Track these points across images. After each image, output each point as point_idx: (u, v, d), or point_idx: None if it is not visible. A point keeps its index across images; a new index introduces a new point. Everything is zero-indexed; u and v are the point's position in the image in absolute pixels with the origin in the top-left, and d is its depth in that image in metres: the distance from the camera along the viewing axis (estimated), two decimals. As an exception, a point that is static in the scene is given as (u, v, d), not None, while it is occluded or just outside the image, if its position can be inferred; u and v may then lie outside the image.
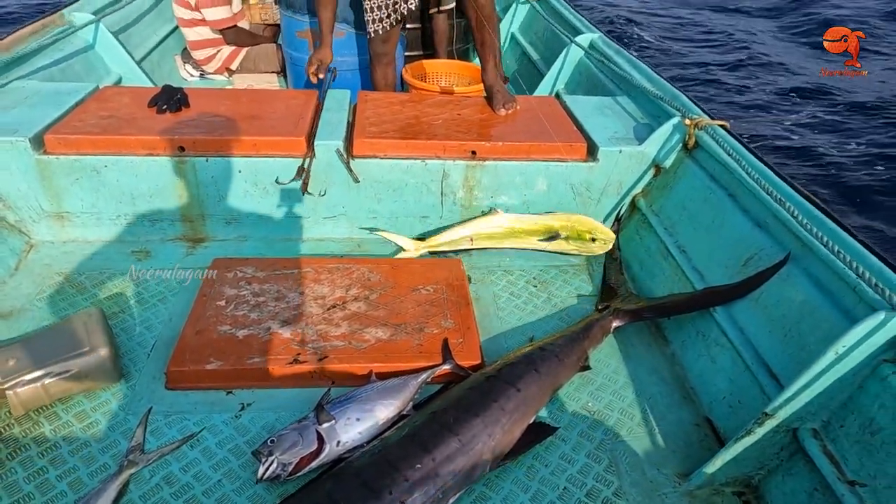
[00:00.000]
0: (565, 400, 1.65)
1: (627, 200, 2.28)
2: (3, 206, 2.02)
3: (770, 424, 1.34)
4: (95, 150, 2.00)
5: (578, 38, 3.09)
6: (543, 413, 1.59)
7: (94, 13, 2.93)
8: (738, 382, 1.56)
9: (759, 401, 1.45)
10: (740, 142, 1.94)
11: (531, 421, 1.51)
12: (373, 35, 2.60)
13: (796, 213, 1.55)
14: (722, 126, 2.04)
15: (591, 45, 3.07)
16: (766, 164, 1.80)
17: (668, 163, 2.18)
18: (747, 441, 1.37)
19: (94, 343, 1.53)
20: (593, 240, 2.16)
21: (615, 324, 1.85)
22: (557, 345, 1.69)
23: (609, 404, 1.65)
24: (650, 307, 1.87)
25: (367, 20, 2.57)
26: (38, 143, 1.97)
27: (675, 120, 2.15)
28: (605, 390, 1.70)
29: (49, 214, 2.07)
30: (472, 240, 2.17)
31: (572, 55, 3.18)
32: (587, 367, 1.73)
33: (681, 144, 2.15)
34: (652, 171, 2.23)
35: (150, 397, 1.56)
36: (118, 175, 2.02)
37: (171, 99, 2.21)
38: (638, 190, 2.26)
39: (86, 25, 2.83)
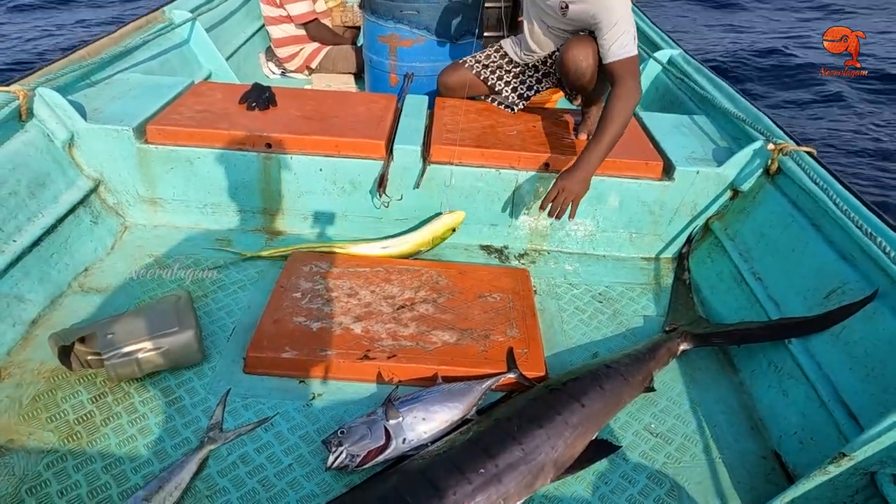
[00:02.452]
0: (628, 419, 1.65)
1: (701, 222, 2.24)
2: (104, 190, 2.17)
3: (846, 465, 1.29)
4: (190, 141, 2.13)
5: (657, 54, 3.06)
6: (605, 430, 1.59)
7: (192, 11, 3.11)
8: (812, 418, 1.51)
9: (835, 440, 1.41)
10: (827, 170, 1.88)
11: (593, 437, 1.52)
12: (500, 101, 2.47)
13: (887, 248, 1.49)
14: (808, 153, 1.98)
15: (671, 62, 3.03)
16: (854, 194, 1.74)
17: (746, 187, 2.13)
18: (820, 480, 1.33)
19: (183, 324, 1.63)
20: (453, 230, 2.18)
21: (682, 347, 1.82)
22: (623, 363, 1.68)
23: (672, 428, 1.64)
24: (721, 333, 1.83)
25: (502, 87, 2.43)
26: (141, 132, 2.12)
27: (757, 144, 2.11)
28: (669, 413, 1.68)
29: (143, 199, 2.22)
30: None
31: (649, 70, 3.15)
32: (651, 389, 1.71)
33: (762, 169, 2.10)
34: (729, 194, 2.19)
35: (228, 379, 1.65)
36: (209, 167, 2.15)
37: (260, 97, 2.33)
38: (712, 212, 2.22)
39: (184, 23, 3.00)
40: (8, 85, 1.96)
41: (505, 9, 3.14)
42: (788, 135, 2.08)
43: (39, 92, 1.99)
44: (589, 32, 2.04)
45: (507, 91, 2.41)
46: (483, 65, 2.41)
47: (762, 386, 1.71)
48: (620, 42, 1.92)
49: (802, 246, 1.82)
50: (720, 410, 1.71)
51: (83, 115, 2.08)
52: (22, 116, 1.96)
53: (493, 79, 2.40)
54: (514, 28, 3.40)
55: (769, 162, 2.05)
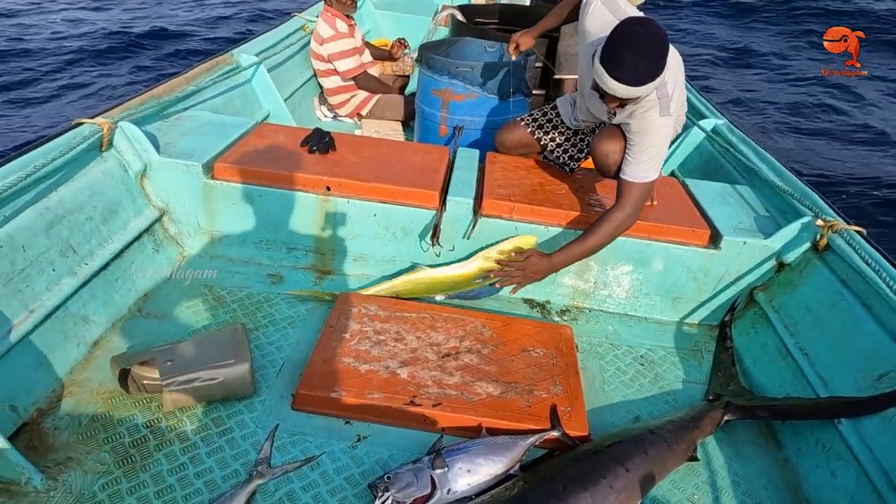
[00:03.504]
0: (670, 488, 1.63)
1: (745, 292, 2.25)
2: (167, 220, 2.27)
3: (901, 556, 1.27)
4: (254, 180, 2.23)
5: (702, 122, 3.13)
6: (648, 499, 1.58)
7: (257, 55, 3.29)
8: (863, 503, 1.49)
9: (888, 528, 1.38)
10: (878, 250, 1.90)
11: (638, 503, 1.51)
12: (552, 160, 2.53)
13: (943, 335, 1.49)
14: (858, 231, 2.00)
15: (715, 130, 3.10)
16: (906, 276, 1.74)
17: (793, 260, 2.15)
18: (872, 569, 1.30)
19: (239, 356, 1.69)
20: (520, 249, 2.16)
21: (726, 417, 1.81)
22: (667, 430, 1.68)
23: (715, 500, 1.62)
24: (767, 407, 1.82)
25: (554, 147, 2.48)
26: (209, 168, 2.23)
27: (806, 219, 2.13)
28: (712, 485, 1.66)
29: (203, 231, 2.31)
30: (397, 294, 2.20)
31: (693, 137, 3.21)
32: (695, 458, 1.70)
33: (809, 244, 2.12)
34: (775, 266, 2.20)
35: (277, 414, 1.69)
36: (269, 204, 2.24)
37: (320, 141, 2.44)
38: (758, 283, 2.23)
39: (250, 66, 3.17)
40: (93, 117, 2.09)
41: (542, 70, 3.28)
42: (837, 212, 2.11)
43: (121, 125, 2.12)
44: None
45: (558, 152, 2.48)
46: (538, 124, 2.49)
47: (809, 465, 1.69)
48: (642, 167, 1.95)
49: (852, 325, 1.82)
50: (763, 486, 1.68)
51: (157, 148, 2.21)
52: (103, 147, 2.08)
53: (545, 139, 2.48)
54: (556, 87, 3.53)
55: (818, 238, 2.07)
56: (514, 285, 2.11)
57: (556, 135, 2.47)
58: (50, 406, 1.59)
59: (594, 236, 2.00)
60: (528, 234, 2.21)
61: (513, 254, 2.14)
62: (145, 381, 1.67)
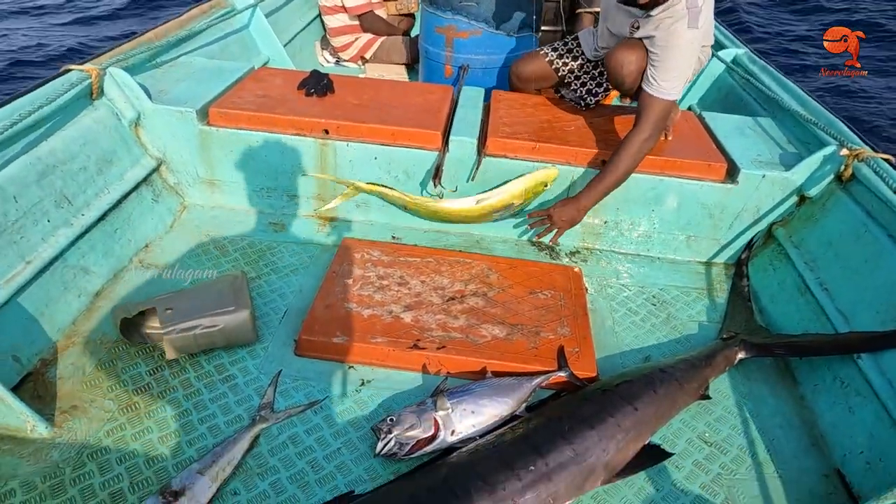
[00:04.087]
0: (681, 426, 1.60)
1: (763, 228, 2.16)
2: (165, 170, 2.23)
3: (920, 490, 1.23)
4: (250, 125, 2.16)
5: (721, 52, 2.95)
6: (657, 436, 1.55)
7: None
8: (881, 438, 1.44)
9: (907, 462, 1.34)
10: (907, 178, 1.78)
11: (646, 442, 1.48)
12: (569, 95, 2.44)
13: (974, 264, 1.40)
14: (886, 160, 1.88)
15: (735, 61, 2.93)
16: (937, 206, 1.64)
17: (815, 193, 2.04)
18: (889, 503, 1.26)
19: (239, 304, 1.66)
20: (545, 185, 2.10)
21: (740, 356, 1.76)
22: (678, 368, 1.63)
23: (727, 438, 1.58)
24: (783, 344, 1.76)
25: (572, 80, 2.36)
26: (203, 115, 2.16)
27: (829, 149, 2.01)
28: (724, 423, 1.63)
29: (202, 180, 2.26)
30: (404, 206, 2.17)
31: (712, 69, 3.05)
32: (707, 397, 1.66)
33: (833, 175, 2.01)
34: (795, 201, 2.10)
35: (280, 361, 1.68)
36: (267, 150, 2.17)
37: (318, 84, 2.35)
38: (777, 218, 2.13)
39: (245, 9, 3.05)
40: (82, 63, 2.03)
41: (562, 3, 3.08)
42: (864, 140, 1.98)
43: (110, 72, 2.05)
44: None
45: (575, 85, 2.35)
46: (558, 54, 2.36)
47: (825, 401, 1.64)
48: (666, 82, 1.87)
49: (876, 258, 1.73)
50: (778, 424, 1.64)
51: (149, 95, 2.14)
52: (93, 94, 2.02)
53: (564, 70, 2.35)
54: (572, 23, 3.34)
55: (842, 168, 1.96)
56: (554, 234, 2.08)
57: (575, 66, 2.33)
58: (53, 356, 1.59)
59: (616, 165, 1.94)
60: (549, 168, 2.10)
61: (533, 191, 2.09)
62: (147, 331, 1.66)
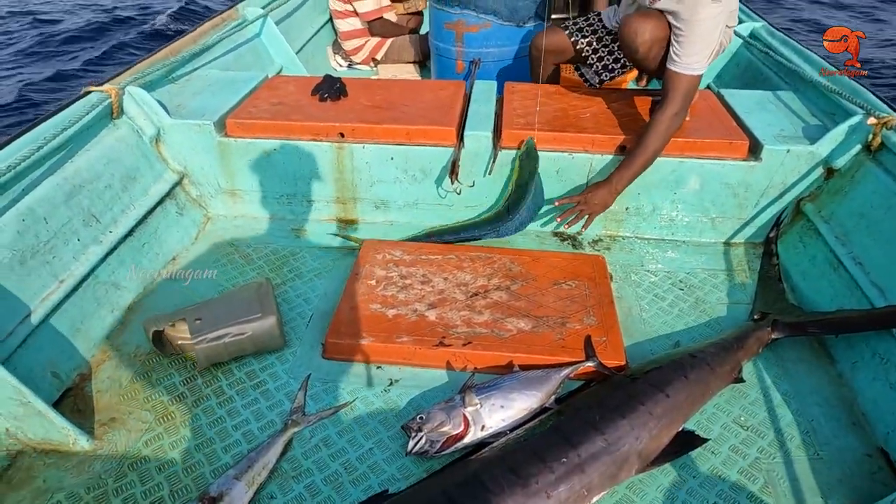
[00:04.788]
0: (715, 411, 1.57)
1: (791, 204, 2.10)
2: (187, 183, 2.27)
3: (970, 466, 1.19)
4: (266, 133, 2.19)
5: (738, 27, 2.88)
6: (691, 423, 1.53)
7: (263, 7, 3.19)
8: (926, 415, 1.40)
9: (954, 438, 1.29)
10: (939, 144, 1.72)
11: (679, 428, 1.46)
12: (585, 73, 2.46)
13: None
14: (916, 126, 1.82)
15: (753, 35, 2.86)
16: (973, 171, 1.58)
17: (843, 165, 1.98)
18: (937, 481, 1.22)
19: (265, 310, 1.68)
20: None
21: (773, 336, 1.72)
22: (709, 353, 1.61)
23: (764, 421, 1.55)
24: (817, 322, 1.72)
25: (590, 54, 2.33)
26: (221, 126, 2.20)
27: (856, 118, 1.95)
28: (760, 406, 1.59)
29: (224, 191, 2.30)
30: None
31: (729, 45, 2.97)
32: (740, 380, 1.63)
33: (860, 145, 1.95)
34: (822, 174, 2.04)
35: (308, 364, 1.70)
36: (284, 157, 2.20)
37: (331, 88, 2.36)
38: (804, 193, 2.08)
39: (256, 20, 3.08)
40: (101, 84, 2.07)
41: None
42: (893, 108, 1.91)
43: (129, 90, 2.09)
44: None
45: (592, 59, 2.32)
46: (578, 27, 2.33)
47: (865, 378, 1.59)
48: (691, 57, 1.84)
49: (911, 228, 1.68)
50: (815, 403, 1.60)
51: (168, 111, 2.18)
52: (114, 114, 2.07)
53: (582, 43, 2.31)
54: (585, 9, 3.29)
55: (870, 137, 1.90)
56: (586, 220, 2.05)
57: (594, 39, 2.30)
58: (90, 370, 1.64)
59: (646, 145, 1.92)
60: None
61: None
62: (178, 342, 1.70)
